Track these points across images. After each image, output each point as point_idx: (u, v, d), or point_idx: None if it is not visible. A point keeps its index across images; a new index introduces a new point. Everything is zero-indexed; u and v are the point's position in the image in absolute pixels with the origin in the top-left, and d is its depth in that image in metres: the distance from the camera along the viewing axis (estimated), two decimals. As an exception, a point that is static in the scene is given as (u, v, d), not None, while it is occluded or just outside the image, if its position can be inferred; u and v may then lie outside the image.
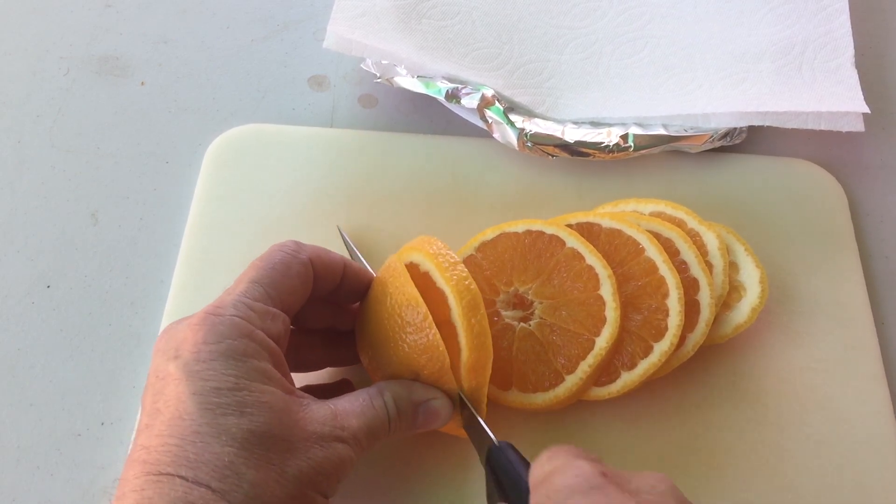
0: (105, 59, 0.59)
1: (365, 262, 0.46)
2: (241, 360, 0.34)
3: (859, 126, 0.51)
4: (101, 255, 0.50)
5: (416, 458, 0.43)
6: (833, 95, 0.52)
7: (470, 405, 0.38)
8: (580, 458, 0.32)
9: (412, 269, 0.40)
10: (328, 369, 0.45)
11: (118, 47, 0.60)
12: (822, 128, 0.52)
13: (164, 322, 0.47)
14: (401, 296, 0.39)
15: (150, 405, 0.34)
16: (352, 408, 0.36)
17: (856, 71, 0.53)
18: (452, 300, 0.38)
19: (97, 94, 0.57)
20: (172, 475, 0.31)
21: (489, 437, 0.37)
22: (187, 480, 0.31)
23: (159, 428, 0.32)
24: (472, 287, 0.39)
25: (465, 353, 0.38)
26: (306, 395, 0.36)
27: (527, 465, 0.34)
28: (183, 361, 0.33)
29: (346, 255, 0.46)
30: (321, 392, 0.40)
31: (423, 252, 0.41)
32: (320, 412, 0.35)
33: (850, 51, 0.54)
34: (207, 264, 0.49)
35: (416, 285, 0.39)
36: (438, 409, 0.39)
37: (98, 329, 0.48)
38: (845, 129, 0.51)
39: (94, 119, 0.56)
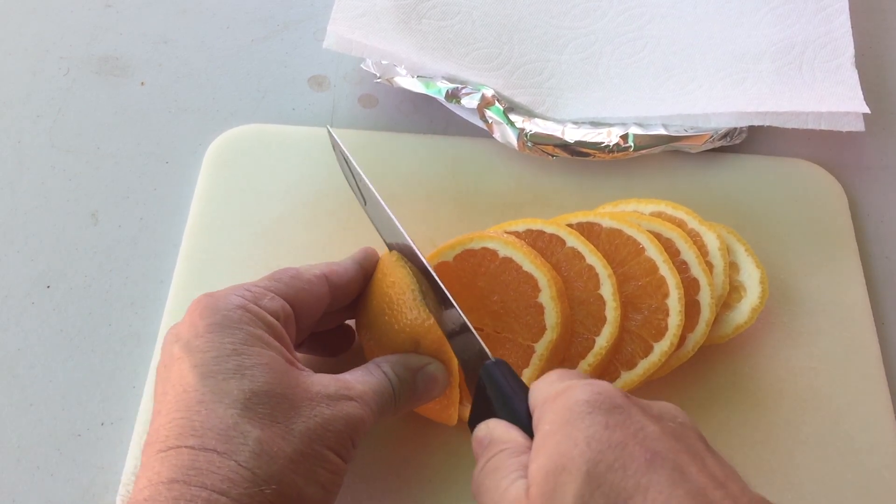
0: (105, 59, 0.59)
1: (360, 170, 0.43)
2: (237, 328, 0.34)
3: (859, 126, 0.51)
4: (101, 255, 0.50)
5: (414, 456, 0.43)
6: (833, 95, 0.52)
7: (466, 319, 0.37)
8: (598, 380, 0.31)
9: (487, 254, 0.43)
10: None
11: (118, 47, 0.60)
12: (823, 128, 0.52)
13: (164, 322, 0.47)
14: (403, 267, 0.40)
15: (159, 393, 0.34)
16: (353, 377, 0.37)
17: (856, 71, 0.54)
18: (545, 284, 0.41)
19: (97, 94, 0.57)
20: (179, 447, 0.31)
21: (485, 353, 0.36)
22: (194, 448, 0.31)
23: (167, 408, 0.33)
24: (557, 275, 0.42)
25: (552, 332, 0.41)
26: (308, 368, 0.36)
27: (522, 385, 0.34)
28: (184, 342, 0.34)
29: (336, 164, 0.46)
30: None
31: (500, 240, 0.43)
32: (323, 378, 0.35)
33: (850, 51, 0.54)
34: (208, 264, 0.49)
35: (490, 270, 0.42)
36: (435, 374, 0.39)
37: (98, 329, 0.48)
38: (845, 129, 0.51)
39: (94, 119, 0.56)
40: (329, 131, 0.45)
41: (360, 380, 0.37)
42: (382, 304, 0.40)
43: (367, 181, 0.42)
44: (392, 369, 0.38)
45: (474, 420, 0.35)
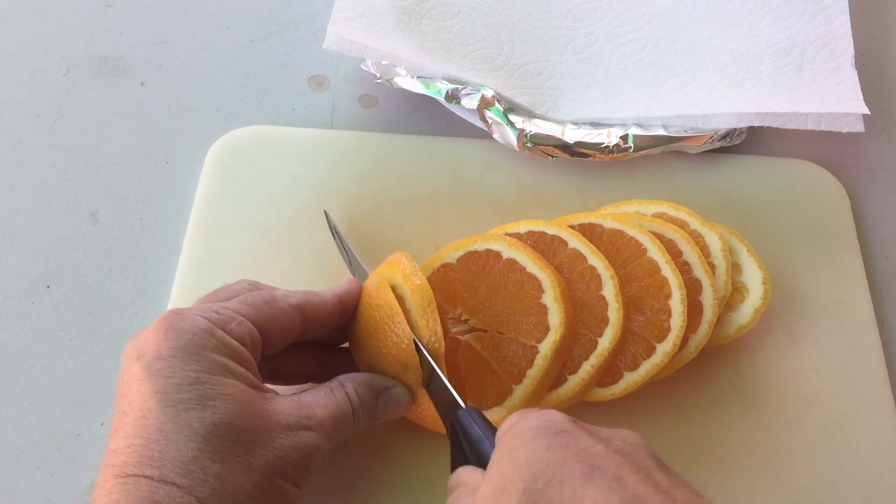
0: (105, 59, 0.59)
1: (354, 251, 0.46)
2: (201, 355, 0.34)
3: (859, 127, 0.51)
4: (101, 255, 0.50)
5: (409, 463, 0.43)
6: (833, 96, 0.52)
7: (440, 372, 0.38)
8: (550, 410, 0.32)
9: (491, 256, 0.43)
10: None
11: (118, 47, 0.59)
12: (822, 128, 0.52)
13: (165, 322, 0.47)
14: (388, 290, 0.40)
15: (117, 409, 0.34)
16: (315, 399, 0.37)
17: (856, 71, 0.54)
18: (548, 285, 0.42)
19: (97, 94, 0.57)
20: (138, 476, 0.31)
21: (457, 402, 0.36)
22: (153, 479, 0.31)
23: (125, 430, 0.33)
24: (560, 276, 0.43)
25: (556, 333, 0.41)
26: (272, 389, 0.36)
27: (492, 428, 0.34)
28: (145, 361, 0.34)
29: (333, 243, 0.48)
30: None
31: (504, 242, 0.43)
32: (285, 403, 0.35)
33: (850, 51, 0.54)
34: (209, 265, 0.49)
35: (494, 272, 0.43)
36: (398, 397, 0.39)
37: (98, 329, 0.48)
38: (845, 129, 0.51)
39: (94, 119, 0.56)
40: (326, 214, 0.48)
41: (321, 403, 0.36)
42: (370, 328, 0.40)
43: (359, 259, 0.44)
44: (356, 390, 0.38)
45: (453, 468, 0.35)
